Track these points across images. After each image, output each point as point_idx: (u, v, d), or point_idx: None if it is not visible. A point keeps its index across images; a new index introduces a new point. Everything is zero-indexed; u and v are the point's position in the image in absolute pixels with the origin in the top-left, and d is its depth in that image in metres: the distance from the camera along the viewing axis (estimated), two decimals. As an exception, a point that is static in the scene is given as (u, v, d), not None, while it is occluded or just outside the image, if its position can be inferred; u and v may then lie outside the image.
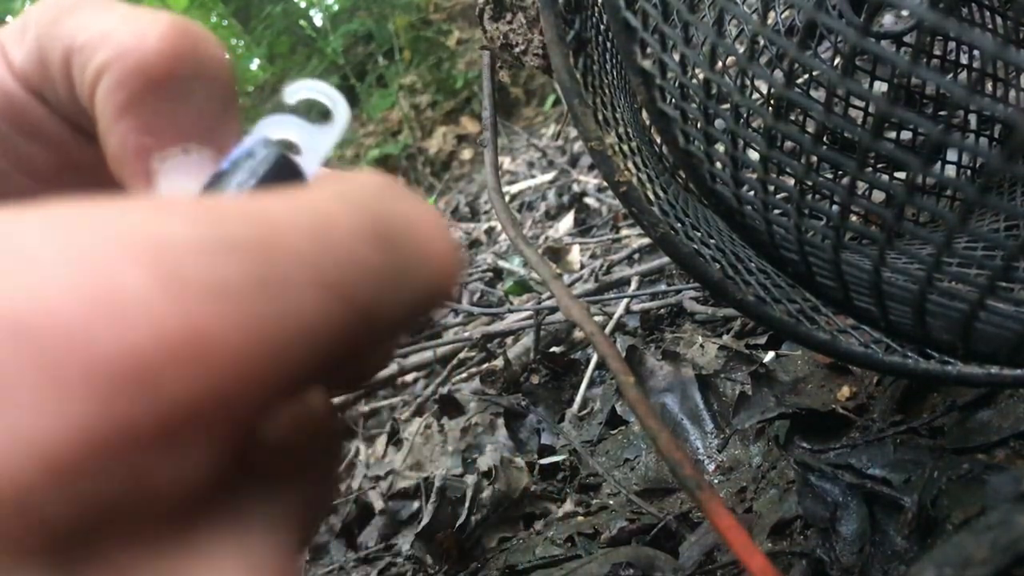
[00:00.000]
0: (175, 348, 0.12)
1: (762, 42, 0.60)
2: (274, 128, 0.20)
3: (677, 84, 0.49)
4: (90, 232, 0.12)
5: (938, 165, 0.72)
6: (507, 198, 1.70)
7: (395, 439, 0.92)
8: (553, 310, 0.95)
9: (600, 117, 0.43)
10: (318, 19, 4.56)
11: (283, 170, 0.19)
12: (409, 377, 1.21)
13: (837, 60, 0.74)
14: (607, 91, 0.47)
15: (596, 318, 0.94)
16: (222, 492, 0.14)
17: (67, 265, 0.11)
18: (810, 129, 0.83)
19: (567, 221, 1.58)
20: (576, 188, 1.74)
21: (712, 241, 0.47)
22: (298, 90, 0.21)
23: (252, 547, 0.14)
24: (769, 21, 0.68)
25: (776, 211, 0.38)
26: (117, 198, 0.13)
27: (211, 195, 0.19)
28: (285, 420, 0.17)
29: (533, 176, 2.18)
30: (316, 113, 0.21)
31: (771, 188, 0.36)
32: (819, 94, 0.76)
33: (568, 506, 0.67)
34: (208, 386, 0.12)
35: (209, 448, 0.13)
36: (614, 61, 0.51)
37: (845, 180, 0.40)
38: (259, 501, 0.15)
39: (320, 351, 0.13)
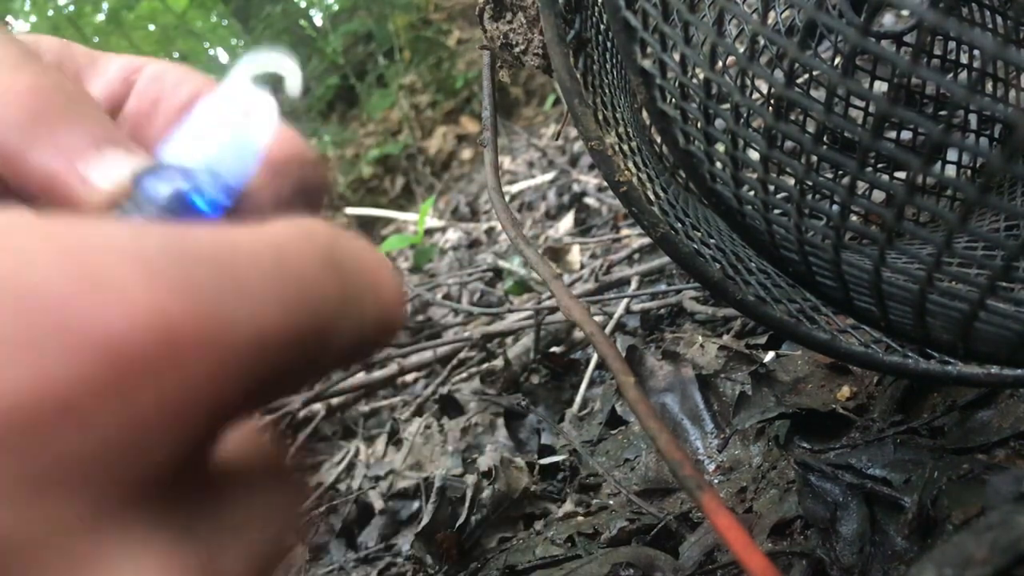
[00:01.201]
0: (145, 329, 0.13)
1: (762, 42, 0.60)
2: (226, 96, 0.21)
3: (677, 84, 0.49)
4: (81, 235, 0.14)
5: (938, 165, 0.71)
6: (507, 198, 1.70)
7: (395, 439, 0.92)
8: (553, 310, 0.95)
9: (600, 117, 0.43)
10: (318, 19, 4.56)
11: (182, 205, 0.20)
12: (409, 377, 1.21)
13: (837, 60, 0.74)
14: (607, 91, 0.47)
15: (596, 318, 0.94)
16: (162, 496, 0.15)
17: (60, 255, 0.13)
18: (810, 129, 0.83)
19: (567, 221, 1.58)
20: (576, 188, 1.74)
21: (712, 241, 0.47)
22: (252, 63, 0.22)
23: (165, 560, 0.14)
24: (769, 21, 0.68)
25: (776, 211, 0.38)
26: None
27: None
28: (237, 449, 0.18)
29: (533, 176, 2.18)
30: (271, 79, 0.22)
31: (771, 188, 0.36)
32: (819, 94, 0.76)
33: (568, 506, 0.67)
34: (171, 366, 0.13)
35: (161, 435, 0.14)
36: (614, 61, 0.51)
37: (845, 180, 0.40)
38: (199, 519, 0.16)
39: (272, 358, 0.15)
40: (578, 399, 0.84)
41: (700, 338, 0.75)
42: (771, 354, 0.71)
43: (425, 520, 0.67)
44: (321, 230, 0.17)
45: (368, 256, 0.18)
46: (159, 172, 0.20)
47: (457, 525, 0.66)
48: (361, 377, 1.19)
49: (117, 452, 0.13)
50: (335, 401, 1.20)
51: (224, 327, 0.14)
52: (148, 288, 0.13)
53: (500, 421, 0.82)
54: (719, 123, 0.36)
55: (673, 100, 0.38)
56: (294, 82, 0.22)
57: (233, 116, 0.21)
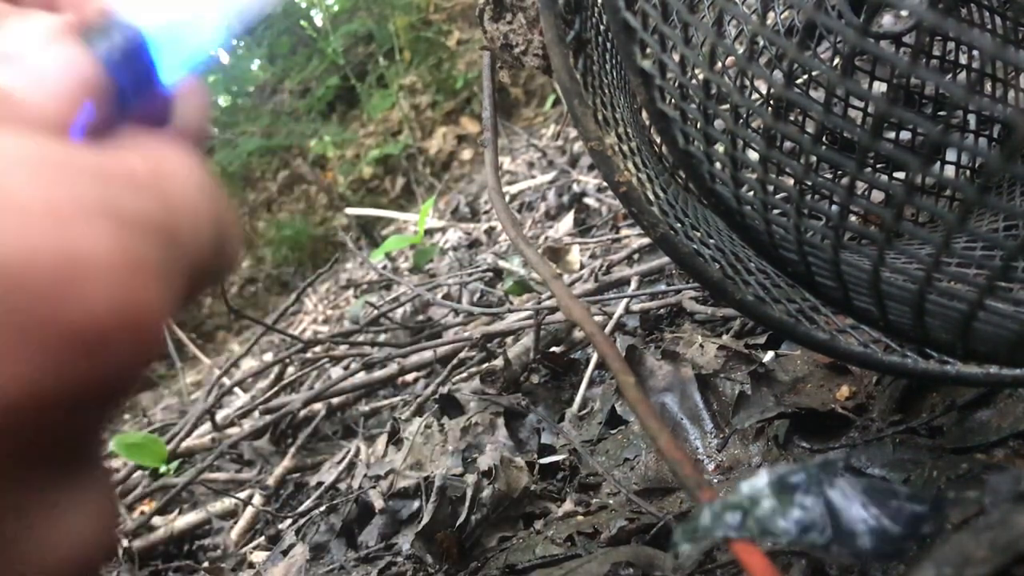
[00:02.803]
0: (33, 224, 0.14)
1: (762, 42, 0.60)
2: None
3: (677, 84, 0.49)
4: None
5: (937, 165, 0.72)
6: (507, 198, 1.70)
7: (395, 439, 0.92)
8: (553, 310, 0.95)
9: (600, 117, 0.43)
10: (318, 19, 4.56)
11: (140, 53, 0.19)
12: (409, 377, 1.21)
13: (837, 60, 0.74)
14: (607, 91, 0.48)
15: (596, 318, 0.95)
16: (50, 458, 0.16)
17: None
18: (810, 129, 0.83)
19: (567, 221, 1.58)
20: (576, 188, 1.74)
21: (712, 241, 0.47)
22: None
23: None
24: (769, 21, 0.68)
25: (776, 211, 0.38)
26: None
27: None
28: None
29: (533, 176, 2.18)
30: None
31: (771, 188, 0.36)
32: (819, 94, 0.76)
33: (568, 505, 0.67)
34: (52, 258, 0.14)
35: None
36: (614, 61, 0.52)
37: (844, 180, 0.40)
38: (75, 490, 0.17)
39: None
40: (578, 399, 0.84)
41: (700, 338, 0.75)
42: (770, 354, 0.71)
43: (425, 519, 0.68)
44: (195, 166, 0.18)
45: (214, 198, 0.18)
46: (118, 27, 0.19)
47: (457, 524, 0.66)
48: (361, 377, 1.19)
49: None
50: (335, 401, 1.20)
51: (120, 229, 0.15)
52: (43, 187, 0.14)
53: (500, 421, 0.82)
54: (718, 123, 0.36)
55: (672, 100, 0.38)
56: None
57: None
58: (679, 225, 0.45)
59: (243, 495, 1.05)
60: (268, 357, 2.07)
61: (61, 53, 0.17)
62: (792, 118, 0.81)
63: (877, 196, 0.77)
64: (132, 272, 0.15)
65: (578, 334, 0.99)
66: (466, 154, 3.66)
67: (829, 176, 0.74)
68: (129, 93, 0.19)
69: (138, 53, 0.19)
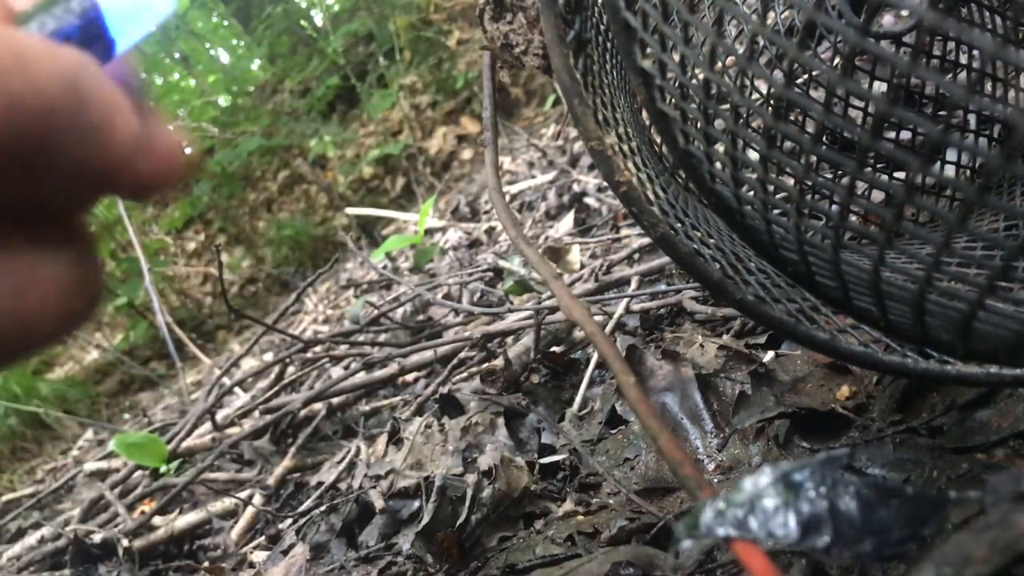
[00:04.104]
0: None
1: (762, 42, 0.60)
2: None
3: (677, 84, 0.49)
4: None
5: (938, 165, 0.72)
6: (507, 198, 1.70)
7: (396, 438, 0.92)
8: (553, 310, 0.95)
9: (600, 117, 0.43)
10: (319, 19, 4.56)
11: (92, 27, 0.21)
12: (409, 377, 1.21)
13: (837, 60, 0.74)
14: (607, 91, 0.48)
15: (596, 318, 0.95)
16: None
17: None
18: (810, 129, 0.83)
19: (567, 221, 1.58)
20: (576, 188, 1.75)
21: (712, 241, 0.47)
22: None
23: None
24: (769, 21, 0.68)
25: (776, 211, 0.38)
26: None
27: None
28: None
29: (533, 176, 2.18)
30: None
31: (771, 188, 0.36)
32: (819, 94, 0.76)
33: (568, 505, 0.67)
34: None
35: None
36: (614, 61, 0.52)
37: (845, 180, 0.40)
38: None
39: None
40: (578, 399, 0.84)
41: (700, 338, 0.75)
42: (770, 354, 0.71)
43: (425, 519, 0.68)
44: (92, 68, 0.19)
45: (117, 103, 0.20)
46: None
47: (457, 524, 0.66)
48: (362, 377, 1.19)
49: None
50: (336, 401, 1.20)
51: None
52: None
53: (500, 420, 0.82)
54: (719, 123, 0.36)
55: (673, 100, 0.38)
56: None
57: None
58: (679, 225, 0.45)
59: (243, 495, 1.05)
60: (268, 357, 2.07)
61: None
62: (792, 118, 0.81)
63: (877, 196, 0.77)
64: None
65: (578, 334, 0.99)
66: (466, 154, 3.66)
67: (829, 176, 0.74)
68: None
69: (93, 20, 0.21)
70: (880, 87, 0.79)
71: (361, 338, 1.31)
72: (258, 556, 0.90)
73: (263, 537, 0.95)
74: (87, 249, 0.22)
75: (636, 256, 1.17)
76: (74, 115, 0.19)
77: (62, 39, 0.20)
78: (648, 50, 0.36)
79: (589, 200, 1.63)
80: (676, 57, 0.41)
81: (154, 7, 0.23)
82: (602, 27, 0.49)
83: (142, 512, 1.17)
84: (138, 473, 1.31)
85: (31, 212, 0.20)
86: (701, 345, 0.74)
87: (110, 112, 0.20)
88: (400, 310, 1.43)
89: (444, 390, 0.99)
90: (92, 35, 0.21)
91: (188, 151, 0.22)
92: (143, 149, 0.21)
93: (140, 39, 0.23)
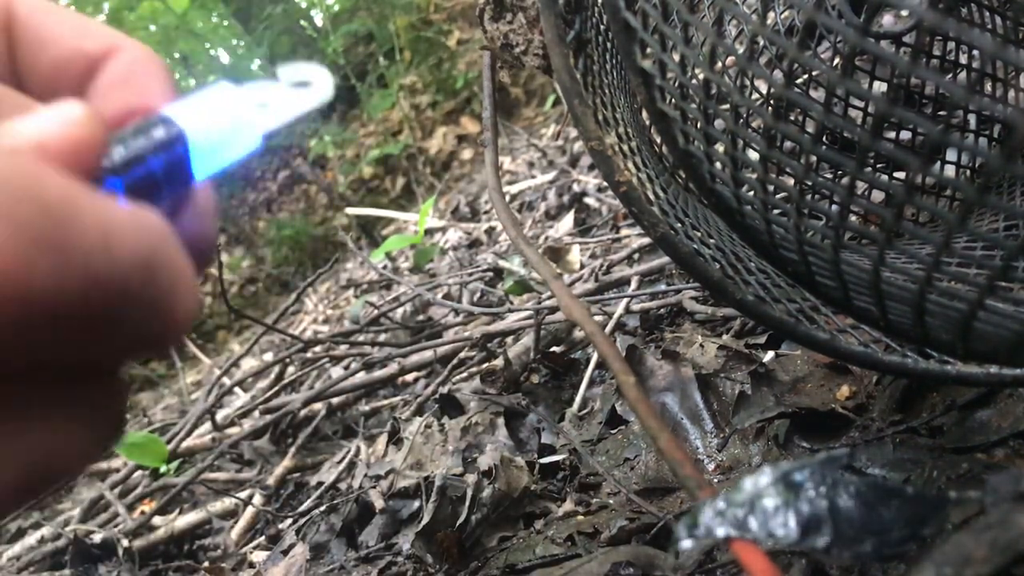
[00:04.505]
0: None
1: (762, 42, 0.60)
2: (248, 88, 0.22)
3: (677, 84, 0.49)
4: None
5: (938, 165, 0.72)
6: (507, 198, 1.70)
7: (396, 438, 0.92)
8: (553, 310, 0.95)
9: (600, 117, 0.43)
10: (319, 19, 4.56)
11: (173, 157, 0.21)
12: (409, 377, 1.21)
13: (837, 60, 0.74)
14: (607, 91, 0.48)
15: (596, 318, 0.95)
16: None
17: None
18: (810, 129, 0.83)
19: (567, 221, 1.58)
20: (576, 188, 1.75)
21: (712, 241, 0.47)
22: (290, 71, 0.24)
23: None
24: (769, 21, 0.68)
25: (776, 211, 0.38)
26: None
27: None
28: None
29: (533, 176, 2.18)
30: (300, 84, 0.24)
31: (771, 188, 0.36)
32: (819, 94, 0.76)
33: (568, 505, 0.67)
34: None
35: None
36: (614, 61, 0.52)
37: (845, 180, 0.40)
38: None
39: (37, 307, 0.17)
40: (578, 399, 0.84)
41: (700, 338, 0.75)
42: (770, 354, 0.71)
43: (425, 519, 0.68)
44: (169, 243, 0.19)
45: (184, 280, 0.20)
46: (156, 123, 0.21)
47: (457, 524, 0.66)
48: (362, 377, 1.19)
49: None
50: (336, 401, 1.20)
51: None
52: None
53: (500, 420, 0.82)
54: (718, 123, 0.36)
55: (673, 100, 0.38)
56: (325, 89, 0.24)
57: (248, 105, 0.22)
58: (679, 225, 0.45)
59: (243, 495, 1.05)
60: (268, 357, 2.07)
61: None
62: (792, 118, 0.81)
63: (877, 196, 0.77)
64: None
65: (578, 334, 0.99)
66: (466, 154, 3.66)
67: (829, 176, 0.74)
68: (162, 181, 0.20)
69: (175, 148, 0.21)
70: (880, 87, 0.79)
71: (361, 338, 1.31)
72: (258, 556, 0.90)
73: (263, 537, 0.95)
74: (121, 401, 0.21)
75: (636, 256, 1.17)
76: (143, 289, 0.18)
77: (146, 174, 0.20)
78: (648, 50, 0.36)
79: (589, 200, 1.63)
80: (676, 57, 0.41)
81: (242, 142, 0.22)
82: (602, 27, 0.49)
83: (142, 512, 1.17)
84: (138, 473, 1.31)
85: (72, 371, 0.19)
86: (701, 345, 0.74)
87: (176, 287, 0.19)
88: (400, 310, 1.43)
89: (444, 390, 0.99)
90: (175, 170, 0.21)
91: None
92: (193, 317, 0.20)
93: (219, 171, 0.22)
